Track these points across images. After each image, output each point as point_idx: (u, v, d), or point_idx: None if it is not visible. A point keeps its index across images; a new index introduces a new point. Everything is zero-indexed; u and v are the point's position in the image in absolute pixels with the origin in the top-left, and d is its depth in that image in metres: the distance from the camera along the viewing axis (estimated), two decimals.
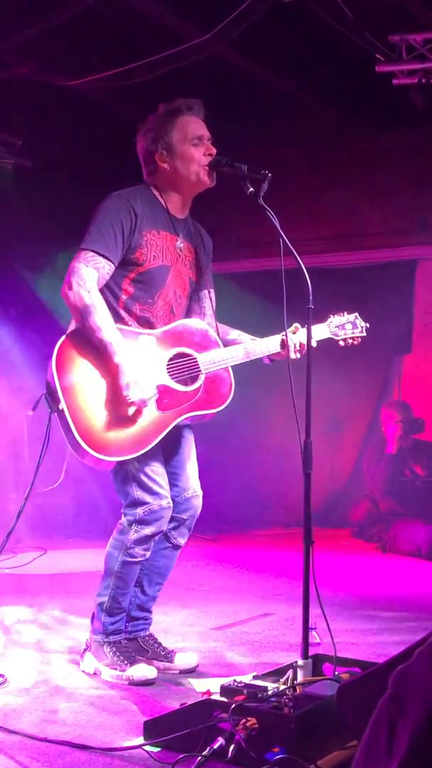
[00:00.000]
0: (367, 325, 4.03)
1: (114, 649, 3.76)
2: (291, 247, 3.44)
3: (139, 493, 3.70)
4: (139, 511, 3.69)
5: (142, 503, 3.70)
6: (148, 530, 3.71)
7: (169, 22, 6.20)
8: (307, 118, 8.12)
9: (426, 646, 1.69)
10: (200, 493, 3.96)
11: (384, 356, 8.60)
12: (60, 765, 2.83)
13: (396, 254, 8.41)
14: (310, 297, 3.46)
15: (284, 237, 3.46)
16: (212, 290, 3.98)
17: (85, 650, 3.87)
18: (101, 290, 3.63)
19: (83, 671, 3.81)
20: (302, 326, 3.72)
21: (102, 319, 3.54)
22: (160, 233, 3.75)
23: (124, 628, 3.87)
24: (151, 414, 3.59)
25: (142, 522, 3.70)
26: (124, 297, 3.71)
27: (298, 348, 3.77)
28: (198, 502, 3.95)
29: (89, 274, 3.57)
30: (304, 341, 3.64)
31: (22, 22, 6.03)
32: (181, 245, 3.83)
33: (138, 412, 3.54)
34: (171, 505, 3.77)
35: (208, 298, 3.92)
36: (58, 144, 7.59)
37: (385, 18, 6.25)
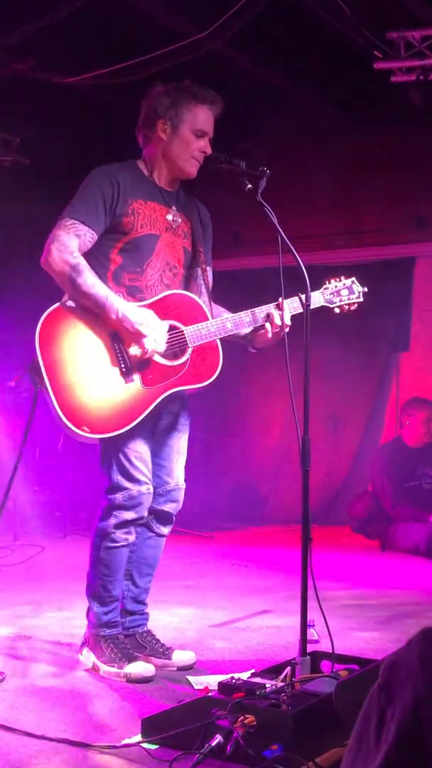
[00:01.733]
0: (365, 289, 3.89)
1: (112, 645, 3.76)
2: (289, 243, 3.44)
3: (118, 478, 3.70)
4: (119, 496, 3.70)
5: (122, 488, 3.70)
6: (127, 515, 3.72)
7: (167, 19, 6.19)
8: (305, 114, 8.12)
9: (417, 635, 1.70)
10: (183, 486, 3.96)
11: (382, 354, 8.61)
12: (57, 762, 2.83)
13: (394, 252, 8.41)
14: (309, 294, 3.47)
15: (282, 234, 3.46)
16: (209, 268, 3.95)
17: (83, 644, 3.88)
18: (89, 261, 3.62)
19: (83, 668, 3.80)
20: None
21: (93, 276, 3.55)
22: (148, 203, 3.74)
23: (122, 624, 3.87)
24: (136, 389, 3.58)
25: (121, 507, 3.71)
26: (112, 267, 3.70)
27: (287, 322, 3.67)
28: (180, 495, 3.95)
29: (70, 241, 3.57)
30: (288, 317, 3.65)
31: (20, 20, 6.03)
32: (173, 216, 3.82)
33: (116, 388, 3.53)
34: (151, 491, 3.77)
35: (205, 275, 3.87)
36: (56, 141, 7.58)
37: (383, 15, 6.25)
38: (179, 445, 3.94)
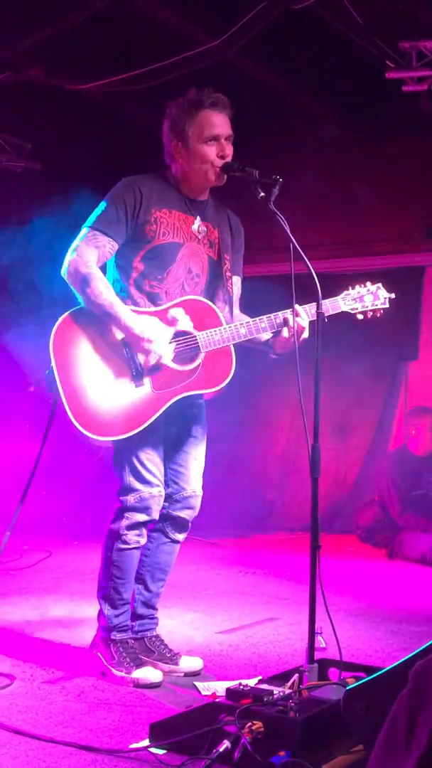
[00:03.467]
0: (392, 295, 3.86)
1: (121, 649, 3.77)
2: (301, 252, 3.44)
3: (130, 479, 3.73)
4: (130, 497, 3.73)
5: (133, 490, 3.73)
6: (139, 517, 3.75)
7: (179, 27, 6.21)
8: (317, 123, 8.13)
9: None
10: (200, 493, 3.98)
11: (390, 362, 8.61)
12: (66, 766, 2.84)
13: (404, 261, 8.41)
14: (320, 301, 3.48)
15: (294, 242, 3.47)
16: (236, 277, 3.96)
17: (92, 646, 3.89)
18: (112, 269, 3.72)
19: (91, 672, 3.81)
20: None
21: (103, 286, 3.59)
22: (172, 212, 3.76)
23: (131, 627, 3.88)
24: (146, 393, 3.61)
25: (133, 509, 3.73)
26: (134, 274, 3.74)
27: (303, 325, 3.68)
28: (196, 503, 3.97)
29: (88, 252, 3.63)
30: (306, 322, 3.66)
31: (32, 26, 6.06)
32: (199, 226, 3.83)
33: (125, 392, 3.56)
34: (162, 494, 3.80)
35: (229, 284, 3.87)
36: (68, 147, 7.62)
37: (395, 25, 6.26)
38: (196, 451, 3.96)
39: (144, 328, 3.57)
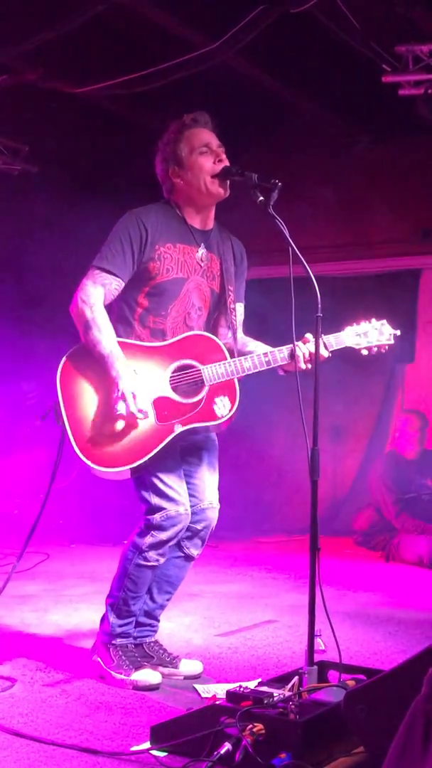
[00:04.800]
0: (397, 332, 3.90)
1: (120, 652, 3.78)
2: (300, 255, 3.46)
3: (156, 500, 3.73)
4: (157, 516, 3.73)
5: (160, 509, 3.73)
6: (163, 535, 3.74)
7: (177, 31, 6.22)
8: (314, 127, 8.16)
9: None
10: (217, 505, 3.98)
11: (387, 365, 8.62)
12: None
13: (400, 263, 8.44)
14: (319, 306, 3.48)
15: (293, 246, 3.48)
16: (241, 303, 4.01)
17: (93, 649, 3.90)
18: (118, 304, 3.76)
19: (92, 675, 3.82)
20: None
21: (101, 333, 3.63)
22: (177, 246, 3.78)
23: (131, 634, 3.88)
24: (149, 425, 3.63)
25: (159, 527, 3.73)
26: (139, 310, 3.78)
27: (308, 358, 3.71)
28: (213, 515, 3.97)
29: (95, 291, 3.67)
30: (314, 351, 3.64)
31: (30, 29, 6.06)
32: (203, 256, 3.84)
33: (130, 425, 3.59)
34: (188, 511, 3.79)
35: (232, 315, 3.90)
36: (65, 150, 7.63)
37: (392, 29, 6.28)
38: (208, 463, 3.96)
39: (126, 390, 3.56)
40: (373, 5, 6.02)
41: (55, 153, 7.66)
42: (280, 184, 3.54)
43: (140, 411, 3.55)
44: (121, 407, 3.55)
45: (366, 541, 7.54)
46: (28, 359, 7.31)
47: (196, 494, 3.91)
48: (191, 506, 3.86)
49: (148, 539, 3.75)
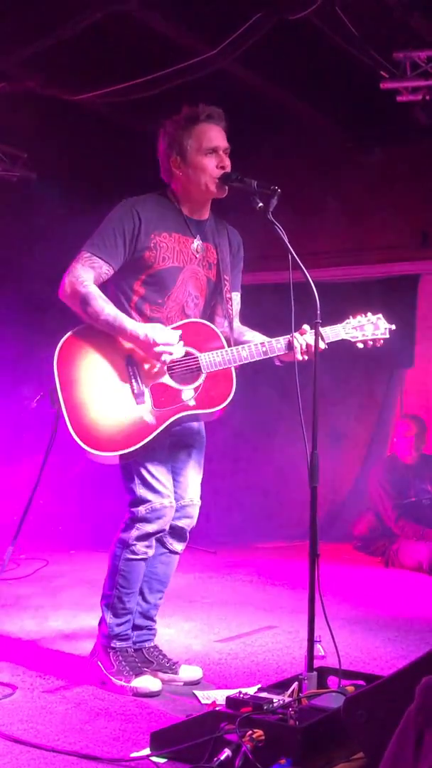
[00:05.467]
0: (392, 326, 3.93)
1: (120, 657, 3.79)
2: (299, 261, 3.47)
3: (141, 491, 3.75)
4: (142, 508, 3.75)
5: (145, 501, 3.76)
6: (149, 527, 3.77)
7: (176, 38, 6.23)
8: (312, 133, 8.16)
9: None
10: (198, 502, 4.01)
11: (386, 370, 8.62)
12: None
13: (399, 268, 8.44)
14: (318, 311, 3.49)
15: (293, 252, 3.49)
16: (237, 293, 4.02)
17: (92, 654, 3.90)
18: (114, 292, 3.76)
19: (92, 681, 3.82)
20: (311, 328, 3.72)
21: (101, 302, 3.64)
22: (172, 235, 3.79)
23: (130, 637, 3.89)
24: (146, 410, 3.64)
25: (144, 519, 3.76)
26: (135, 298, 3.79)
27: (304, 348, 3.72)
28: (194, 511, 4.00)
29: (85, 272, 3.67)
30: (312, 342, 3.65)
31: (29, 36, 6.07)
32: (199, 246, 3.85)
33: (127, 409, 3.60)
34: (173, 504, 3.83)
35: (229, 304, 3.92)
36: (65, 157, 7.63)
37: (390, 35, 6.30)
38: (194, 461, 3.98)
39: (149, 332, 3.60)
40: (371, 12, 6.03)
41: (54, 160, 7.67)
42: (279, 190, 3.56)
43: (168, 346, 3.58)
44: (161, 353, 3.57)
45: (365, 547, 7.54)
46: (29, 366, 7.30)
47: (179, 490, 3.94)
48: (174, 501, 3.88)
49: (134, 532, 3.77)
